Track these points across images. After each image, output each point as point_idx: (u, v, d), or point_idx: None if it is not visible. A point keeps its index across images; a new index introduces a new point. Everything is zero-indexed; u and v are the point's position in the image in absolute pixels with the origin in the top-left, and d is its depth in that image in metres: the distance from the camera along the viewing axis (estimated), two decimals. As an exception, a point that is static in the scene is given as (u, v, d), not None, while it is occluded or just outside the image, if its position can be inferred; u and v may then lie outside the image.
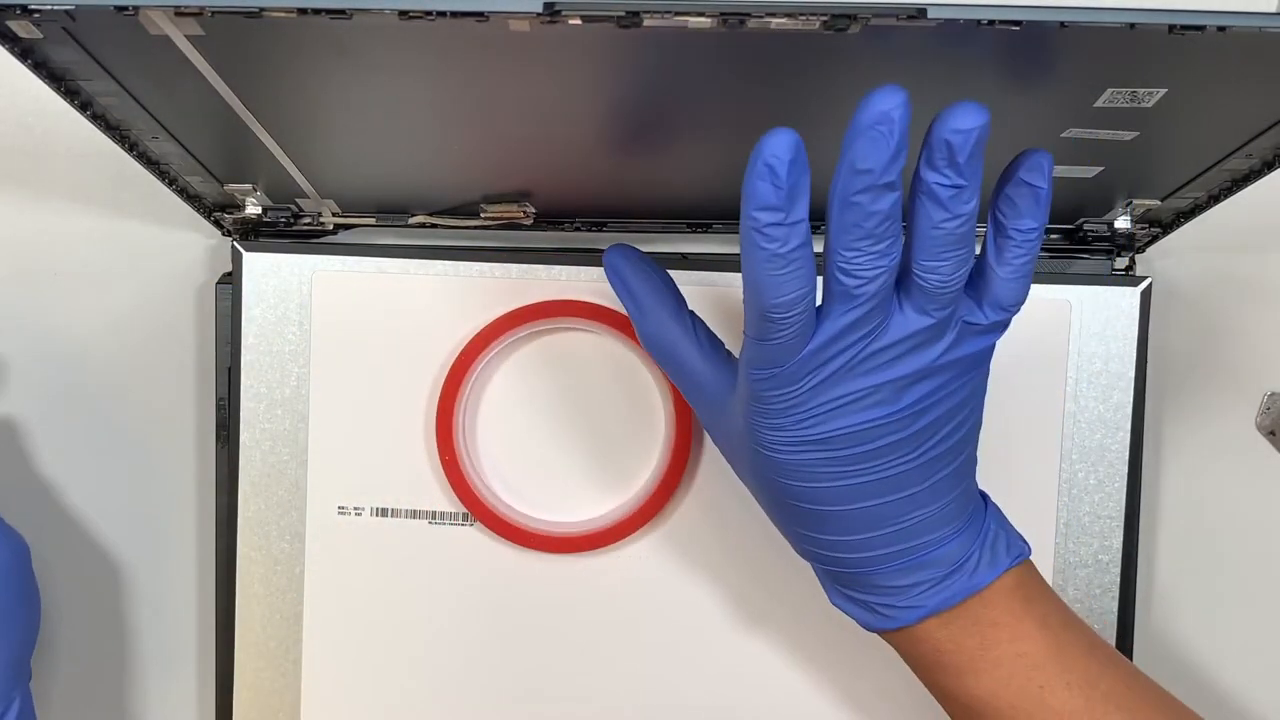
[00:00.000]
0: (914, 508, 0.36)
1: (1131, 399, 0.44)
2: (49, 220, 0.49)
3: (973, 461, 0.38)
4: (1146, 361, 0.44)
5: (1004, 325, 0.36)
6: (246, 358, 0.45)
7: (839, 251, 0.33)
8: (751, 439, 0.36)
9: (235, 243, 0.45)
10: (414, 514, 0.45)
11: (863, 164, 0.31)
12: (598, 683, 0.45)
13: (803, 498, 0.36)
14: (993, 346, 0.36)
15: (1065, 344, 0.44)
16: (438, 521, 0.45)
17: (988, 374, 0.37)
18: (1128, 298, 0.44)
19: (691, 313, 0.39)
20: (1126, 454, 0.44)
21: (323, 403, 0.45)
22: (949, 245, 0.33)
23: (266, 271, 0.45)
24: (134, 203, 0.49)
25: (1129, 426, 0.44)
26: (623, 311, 0.43)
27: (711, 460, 0.45)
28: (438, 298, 0.45)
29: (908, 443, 0.35)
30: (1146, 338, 0.44)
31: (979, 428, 0.38)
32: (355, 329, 0.45)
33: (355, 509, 0.45)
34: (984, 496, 0.39)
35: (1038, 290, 0.44)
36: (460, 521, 0.45)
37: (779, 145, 0.31)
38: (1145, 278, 0.44)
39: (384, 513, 0.45)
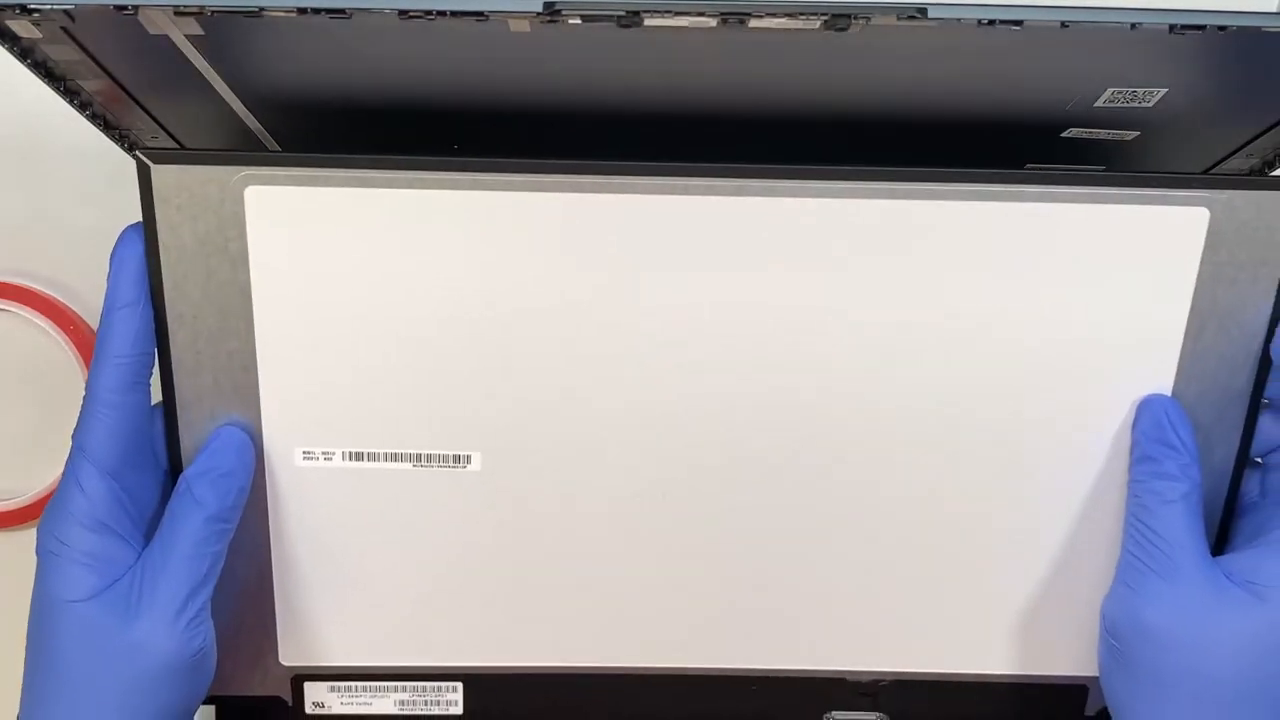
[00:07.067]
0: None
1: None
2: (49, 220, 0.49)
3: None
4: None
5: None
6: (174, 310, 0.37)
7: None
8: None
9: (139, 154, 0.36)
10: (394, 456, 0.39)
11: None
12: (608, 639, 0.42)
13: None
14: None
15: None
16: (424, 464, 0.39)
17: None
18: None
19: None
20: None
21: (272, 339, 0.38)
22: None
23: (184, 187, 0.36)
24: (134, 203, 0.49)
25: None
26: None
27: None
28: (402, 214, 0.37)
29: None
30: None
31: None
32: (303, 251, 0.37)
33: (324, 453, 0.39)
34: None
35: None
36: (452, 464, 0.39)
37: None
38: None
39: (358, 456, 0.39)
